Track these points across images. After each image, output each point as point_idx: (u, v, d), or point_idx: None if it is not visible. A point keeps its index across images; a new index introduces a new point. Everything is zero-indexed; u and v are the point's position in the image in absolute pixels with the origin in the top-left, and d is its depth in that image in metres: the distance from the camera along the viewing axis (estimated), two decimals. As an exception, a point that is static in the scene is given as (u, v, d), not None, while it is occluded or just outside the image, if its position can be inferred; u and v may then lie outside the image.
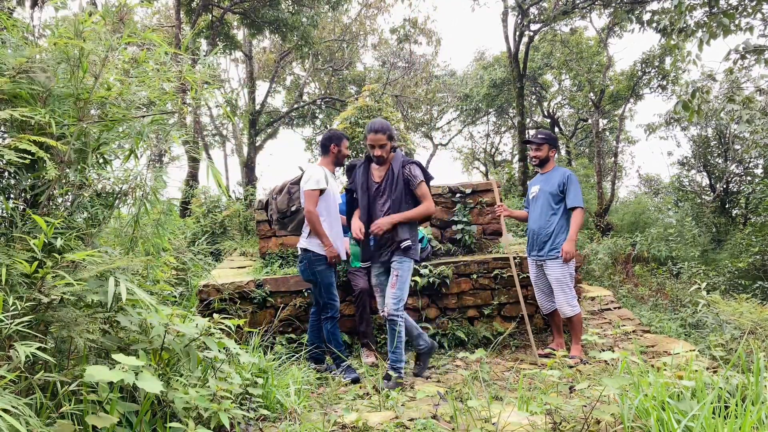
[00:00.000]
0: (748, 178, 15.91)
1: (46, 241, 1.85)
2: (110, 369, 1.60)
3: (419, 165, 4.02)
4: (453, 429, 2.45)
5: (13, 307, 1.66)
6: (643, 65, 16.75)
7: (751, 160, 15.72)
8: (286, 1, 14.00)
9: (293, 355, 4.25)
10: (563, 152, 21.31)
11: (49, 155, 1.91)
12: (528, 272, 5.17)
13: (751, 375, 2.20)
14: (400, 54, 19.94)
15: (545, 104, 22.41)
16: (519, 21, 15.54)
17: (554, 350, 4.66)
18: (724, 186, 16.10)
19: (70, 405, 1.75)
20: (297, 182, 4.41)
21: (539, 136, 4.86)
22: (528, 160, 5.08)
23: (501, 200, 5.07)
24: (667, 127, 17.43)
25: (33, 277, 1.80)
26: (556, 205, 4.66)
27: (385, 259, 3.95)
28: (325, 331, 4.19)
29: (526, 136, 17.10)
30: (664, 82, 17.33)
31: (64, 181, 2.12)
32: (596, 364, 4.14)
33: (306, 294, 5.05)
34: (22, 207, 2.09)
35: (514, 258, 5.24)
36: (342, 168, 5.43)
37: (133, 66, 2.38)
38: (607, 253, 10.64)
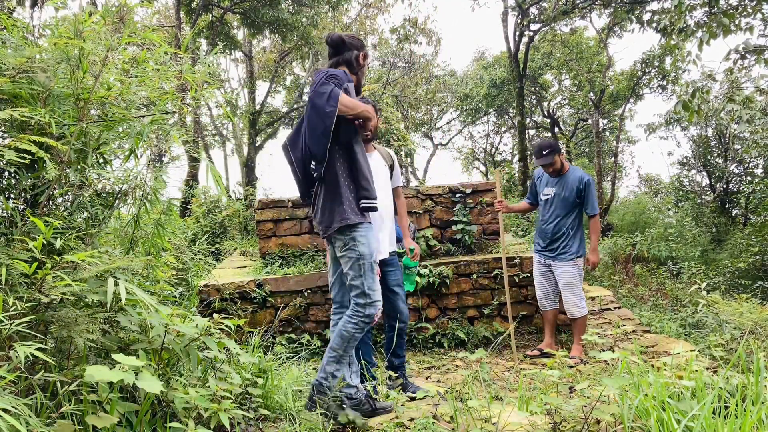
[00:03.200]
0: (748, 178, 15.91)
1: (46, 241, 1.85)
2: (110, 369, 1.60)
3: None
4: (453, 429, 2.45)
5: (13, 307, 1.66)
6: (643, 65, 16.75)
7: (751, 160, 15.71)
8: (286, 1, 14.00)
9: (293, 355, 4.25)
10: (563, 152, 21.30)
11: (49, 155, 1.92)
12: (522, 273, 5.18)
13: (751, 375, 2.20)
14: (400, 54, 19.93)
15: (545, 104, 22.40)
16: (519, 21, 15.54)
17: (542, 350, 4.65)
18: (724, 186, 16.09)
19: (70, 405, 1.75)
20: None
21: (544, 152, 4.64)
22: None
23: (503, 196, 5.06)
24: (667, 127, 17.43)
25: (33, 277, 1.80)
26: (571, 209, 4.61)
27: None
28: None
29: (526, 135, 17.09)
30: (664, 82, 17.33)
31: (64, 181, 2.12)
32: (596, 364, 4.13)
33: (306, 294, 5.05)
34: (22, 207, 2.09)
35: (514, 258, 5.24)
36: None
37: (133, 66, 2.38)
38: (607, 253, 10.64)
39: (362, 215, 2.67)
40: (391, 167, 3.79)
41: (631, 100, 18.41)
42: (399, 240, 5.11)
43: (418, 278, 5.04)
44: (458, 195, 5.88)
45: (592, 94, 17.67)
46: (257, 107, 18.93)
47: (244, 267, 6.06)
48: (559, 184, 4.67)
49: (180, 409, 1.98)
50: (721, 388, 2.11)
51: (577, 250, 4.59)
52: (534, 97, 21.81)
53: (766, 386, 2.15)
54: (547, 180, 4.79)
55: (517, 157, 18.84)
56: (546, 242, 4.70)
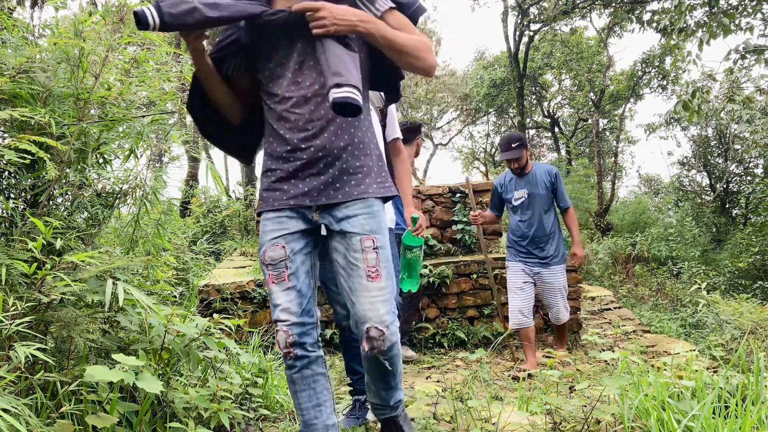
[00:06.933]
0: (748, 178, 15.92)
1: (46, 241, 1.85)
2: (110, 369, 1.60)
3: None
4: (453, 429, 2.45)
5: (13, 308, 1.66)
6: (643, 65, 16.76)
7: (751, 160, 15.71)
8: (286, 1, 13.99)
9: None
10: (563, 152, 21.31)
11: (49, 155, 1.91)
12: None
13: (751, 375, 2.20)
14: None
15: (545, 104, 22.41)
16: (519, 21, 15.53)
17: (529, 373, 3.98)
18: (724, 186, 16.10)
19: (70, 405, 1.75)
20: None
21: (513, 145, 4.33)
22: (512, 171, 4.68)
23: (479, 205, 4.84)
24: (667, 127, 17.44)
25: (33, 277, 1.80)
26: (549, 206, 4.38)
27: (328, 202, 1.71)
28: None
29: (527, 135, 17.06)
30: (664, 82, 17.34)
31: (64, 181, 2.12)
32: (596, 364, 4.14)
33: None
34: (22, 207, 2.09)
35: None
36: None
37: (133, 66, 2.37)
38: (607, 253, 10.64)
39: (262, 200, 1.79)
40: (382, 113, 2.70)
41: (631, 100, 18.42)
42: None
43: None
44: (458, 195, 5.88)
45: (592, 94, 17.68)
46: (257, 107, 18.90)
47: (244, 267, 6.06)
48: (529, 183, 4.37)
49: (180, 409, 1.98)
50: (721, 388, 2.11)
51: (564, 252, 4.39)
52: (534, 97, 21.81)
53: (766, 386, 2.15)
54: (514, 184, 4.44)
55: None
56: (532, 248, 4.34)
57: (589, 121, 19.19)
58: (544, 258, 4.33)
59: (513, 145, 4.33)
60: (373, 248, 1.63)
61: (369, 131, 1.78)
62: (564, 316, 4.39)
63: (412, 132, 4.64)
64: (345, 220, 1.65)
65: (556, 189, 4.36)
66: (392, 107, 2.75)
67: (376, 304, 1.61)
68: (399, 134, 2.81)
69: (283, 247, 1.68)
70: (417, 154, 4.68)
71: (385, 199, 1.75)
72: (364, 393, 2.38)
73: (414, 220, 2.67)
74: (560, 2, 14.38)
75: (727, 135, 15.85)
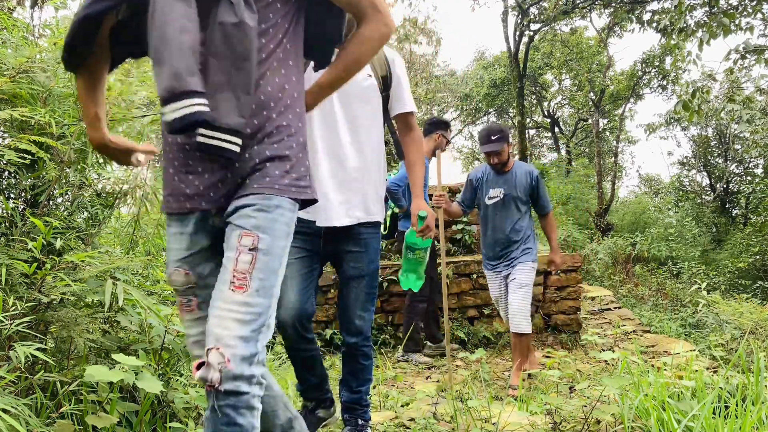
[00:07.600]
0: (748, 178, 15.94)
1: (46, 241, 1.85)
2: (110, 369, 1.60)
3: None
4: (453, 429, 2.45)
5: (13, 308, 1.66)
6: (643, 65, 16.76)
7: (751, 160, 15.73)
8: (286, 1, 13.98)
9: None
10: (563, 152, 21.31)
11: (49, 155, 1.92)
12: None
13: (751, 375, 2.20)
14: (400, 54, 19.91)
15: (545, 104, 22.41)
16: (519, 21, 15.53)
17: (527, 371, 3.77)
18: (724, 186, 16.11)
19: (70, 405, 1.75)
20: None
21: (493, 138, 3.84)
22: (491, 167, 4.11)
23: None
24: (667, 127, 17.47)
25: (33, 277, 1.80)
26: (524, 210, 3.96)
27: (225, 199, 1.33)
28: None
29: (527, 135, 17.07)
30: (664, 82, 17.34)
31: (64, 181, 2.12)
32: (596, 364, 4.14)
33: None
34: (22, 207, 2.09)
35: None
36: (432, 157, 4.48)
37: (134, 66, 2.38)
38: (607, 253, 10.65)
39: (162, 196, 1.44)
40: (384, 81, 2.17)
41: (631, 100, 18.42)
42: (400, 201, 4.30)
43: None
44: (458, 195, 5.88)
45: (592, 94, 17.68)
46: (257, 107, 18.88)
47: (244, 267, 6.06)
48: (507, 183, 3.92)
49: (180, 409, 1.99)
50: (721, 388, 2.11)
51: (535, 251, 3.96)
52: (534, 97, 21.81)
53: (766, 386, 2.15)
54: (490, 181, 4.00)
55: (517, 157, 18.82)
56: (502, 252, 3.95)
57: (589, 121, 19.19)
58: (512, 259, 3.91)
59: (493, 138, 3.85)
60: (250, 249, 1.20)
61: (291, 112, 1.35)
62: (522, 324, 3.69)
63: (432, 125, 4.57)
64: (234, 212, 1.26)
65: (537, 194, 3.96)
66: (400, 72, 2.18)
67: (227, 321, 1.16)
68: (411, 107, 2.21)
69: (187, 273, 1.33)
70: (435, 153, 4.46)
71: (296, 201, 1.32)
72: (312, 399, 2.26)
73: (421, 219, 2.20)
74: (560, 2, 14.38)
75: (727, 135, 15.87)
